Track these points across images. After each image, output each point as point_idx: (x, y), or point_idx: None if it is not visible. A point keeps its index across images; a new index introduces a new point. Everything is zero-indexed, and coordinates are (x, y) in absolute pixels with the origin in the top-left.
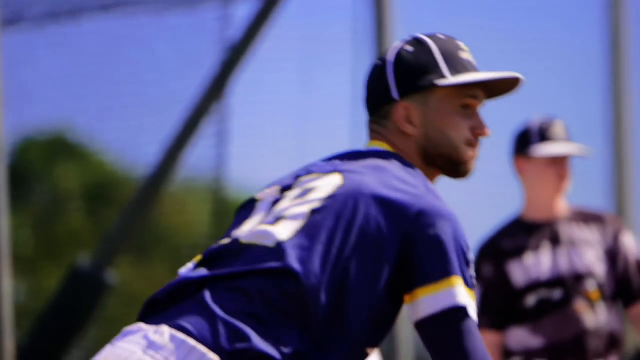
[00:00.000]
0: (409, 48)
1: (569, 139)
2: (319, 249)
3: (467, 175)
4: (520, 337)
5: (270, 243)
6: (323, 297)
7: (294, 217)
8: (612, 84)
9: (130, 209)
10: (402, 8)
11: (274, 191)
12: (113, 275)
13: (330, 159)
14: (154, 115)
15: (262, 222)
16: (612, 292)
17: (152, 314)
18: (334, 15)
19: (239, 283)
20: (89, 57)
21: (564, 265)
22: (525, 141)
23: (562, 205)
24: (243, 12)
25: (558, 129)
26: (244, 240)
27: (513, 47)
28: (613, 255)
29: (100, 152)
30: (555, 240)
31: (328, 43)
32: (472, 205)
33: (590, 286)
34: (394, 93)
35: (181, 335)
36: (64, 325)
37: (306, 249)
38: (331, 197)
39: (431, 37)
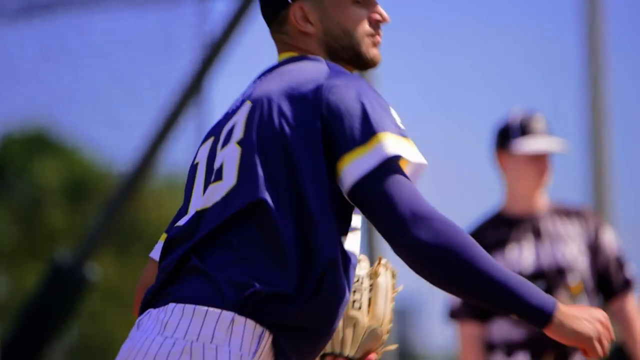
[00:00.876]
0: None
1: (549, 133)
2: (260, 172)
3: (374, 64)
4: (503, 329)
5: (222, 195)
6: (288, 209)
7: (229, 161)
8: (589, 78)
9: (111, 205)
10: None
11: (208, 146)
12: (93, 270)
13: (242, 93)
14: (134, 111)
15: (208, 184)
16: (593, 286)
17: (155, 299)
18: None
19: (217, 240)
20: (66, 52)
21: (546, 258)
22: (505, 136)
23: (543, 200)
24: (222, 7)
25: (538, 123)
26: (200, 207)
27: (492, 41)
28: (594, 249)
29: (79, 148)
30: (537, 234)
31: None
32: (454, 197)
33: (572, 280)
34: None
35: (190, 306)
36: (46, 319)
37: (251, 179)
38: (248, 122)
39: None
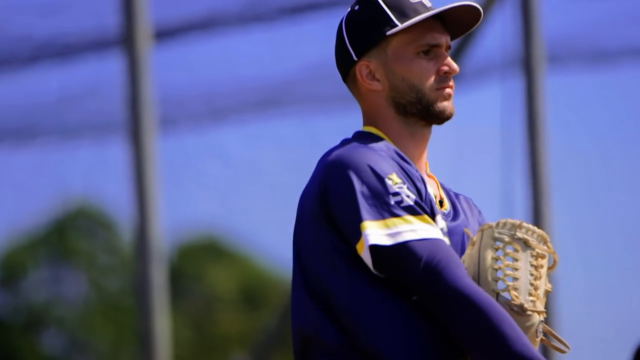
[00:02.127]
0: (357, 6)
1: None
2: (296, 288)
3: (445, 117)
4: None
5: None
6: (325, 321)
7: None
8: None
9: (285, 310)
10: (553, 107)
11: None
12: None
13: None
14: None
15: None
16: None
17: None
18: (483, 117)
19: None
20: (239, 162)
21: None
22: None
23: None
24: None
25: None
26: None
27: None
28: None
29: (252, 255)
30: None
31: (477, 144)
32: (629, 304)
33: None
34: (353, 54)
35: None
36: None
37: (292, 301)
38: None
39: None
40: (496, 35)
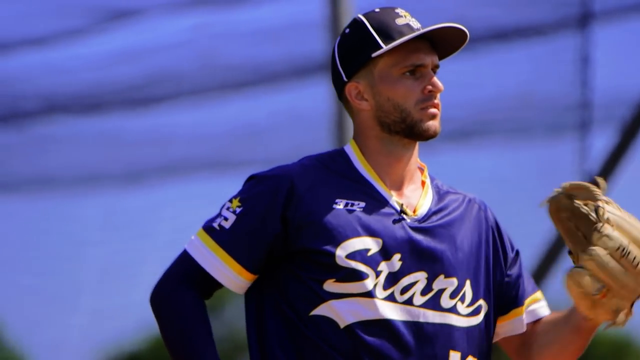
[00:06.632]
0: (347, 30)
1: None
2: None
3: (429, 135)
4: None
5: None
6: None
7: None
8: None
9: None
10: None
11: None
12: None
13: None
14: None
15: None
16: None
17: None
18: None
19: None
20: None
21: None
22: None
23: None
24: (601, 144)
25: None
26: None
27: None
28: None
29: None
30: None
31: None
32: None
33: None
34: (343, 76)
35: None
36: None
37: None
38: None
39: (367, 13)
40: None
